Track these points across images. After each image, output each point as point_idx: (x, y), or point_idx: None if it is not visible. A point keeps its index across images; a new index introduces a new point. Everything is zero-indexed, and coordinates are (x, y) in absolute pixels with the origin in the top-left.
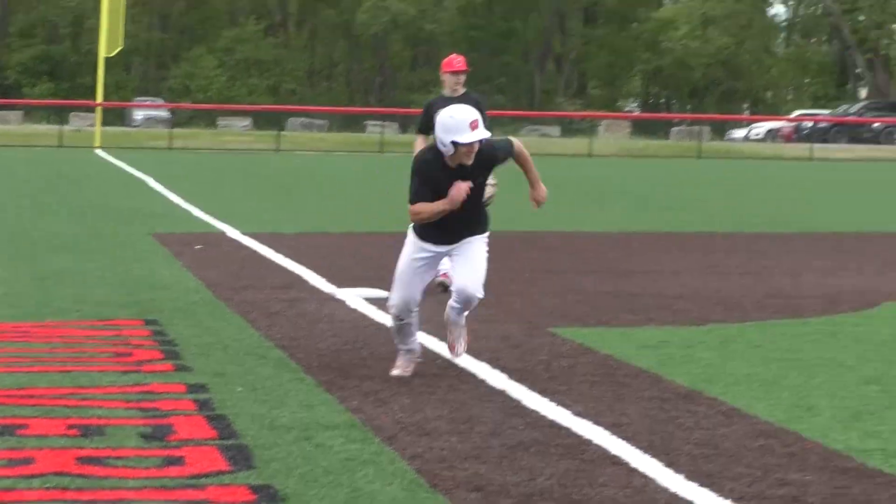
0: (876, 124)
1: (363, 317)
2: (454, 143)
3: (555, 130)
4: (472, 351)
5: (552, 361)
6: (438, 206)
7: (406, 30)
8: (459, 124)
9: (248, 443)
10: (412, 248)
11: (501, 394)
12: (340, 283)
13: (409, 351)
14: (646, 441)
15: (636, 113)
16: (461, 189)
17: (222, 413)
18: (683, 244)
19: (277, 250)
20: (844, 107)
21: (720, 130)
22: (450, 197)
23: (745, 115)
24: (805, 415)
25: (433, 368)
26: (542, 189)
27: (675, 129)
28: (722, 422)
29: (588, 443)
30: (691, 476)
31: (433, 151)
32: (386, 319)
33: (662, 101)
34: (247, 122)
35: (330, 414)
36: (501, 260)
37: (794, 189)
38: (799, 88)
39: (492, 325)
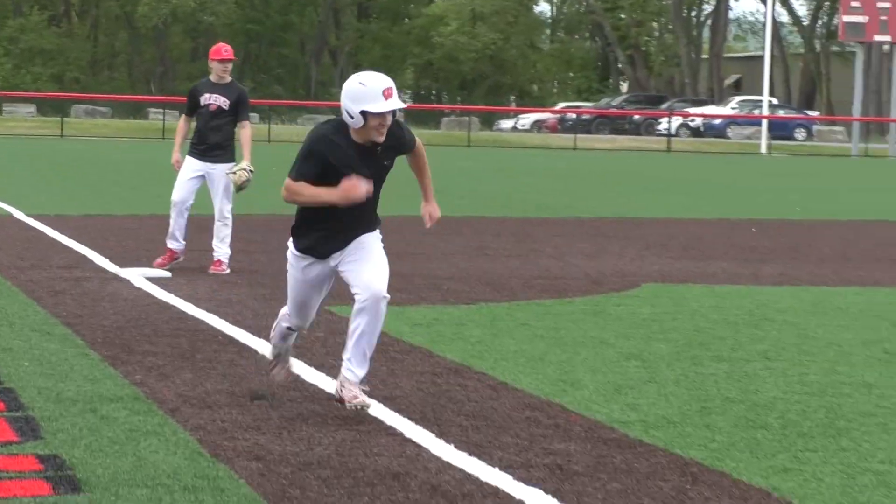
0: (636, 116)
1: (146, 295)
2: (364, 114)
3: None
4: (253, 328)
5: (329, 338)
6: (324, 195)
7: (186, 22)
8: (371, 92)
9: (36, 415)
10: (297, 267)
11: None
12: (123, 264)
13: (288, 350)
14: (418, 413)
15: (408, 104)
16: (359, 189)
17: (9, 386)
18: (454, 228)
19: (62, 232)
20: (606, 100)
21: (488, 121)
22: (343, 192)
23: (513, 106)
24: (569, 388)
25: (214, 344)
26: (437, 207)
27: (445, 119)
28: (491, 395)
29: (364, 414)
30: (461, 446)
31: (334, 125)
32: (169, 298)
33: (433, 92)
34: (31, 108)
35: (114, 387)
36: (280, 242)
37: (560, 177)
38: (563, 82)
39: (271, 304)
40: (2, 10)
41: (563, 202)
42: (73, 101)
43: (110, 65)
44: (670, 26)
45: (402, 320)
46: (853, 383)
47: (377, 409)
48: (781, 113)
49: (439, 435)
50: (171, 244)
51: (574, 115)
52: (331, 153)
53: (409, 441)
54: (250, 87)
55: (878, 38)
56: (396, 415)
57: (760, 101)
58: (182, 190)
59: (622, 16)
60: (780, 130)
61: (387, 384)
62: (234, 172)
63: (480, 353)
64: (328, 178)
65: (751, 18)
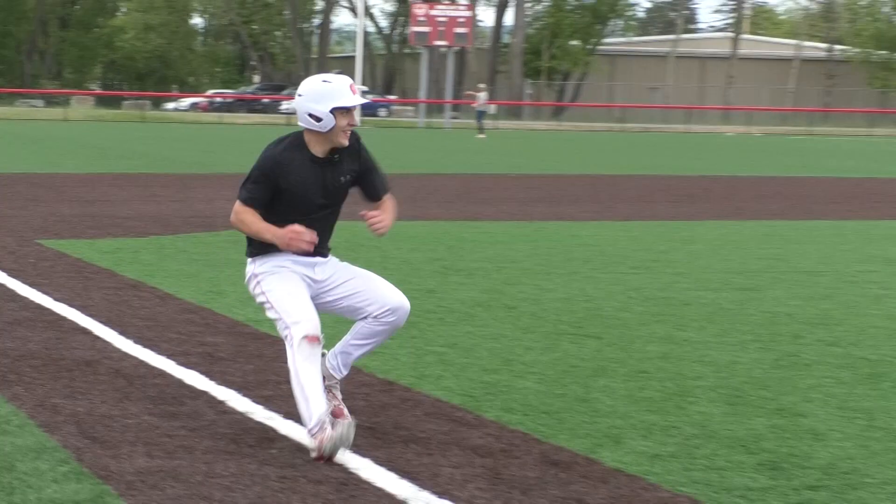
0: (265, 100)
1: None
2: (335, 111)
3: (40, 103)
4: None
5: (38, 263)
6: (267, 234)
7: None
8: (338, 87)
9: None
10: (273, 264)
11: (2, 286)
12: None
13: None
14: (105, 317)
15: (99, 90)
16: (302, 239)
17: None
18: (132, 181)
19: None
20: (244, 88)
21: (157, 103)
22: (286, 238)
23: (175, 92)
24: (217, 297)
25: None
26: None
27: (126, 102)
28: (159, 303)
29: (64, 319)
30: (138, 340)
31: (291, 141)
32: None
33: (116, 83)
34: None
35: None
36: (8, 192)
37: (208, 143)
38: (212, 74)
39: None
40: None
41: (211, 161)
42: None
43: None
44: (290, 35)
45: (93, 249)
46: (420, 289)
47: (75, 315)
48: (369, 97)
49: (122, 333)
50: None
51: (220, 99)
52: (283, 176)
53: (99, 338)
54: None
55: (437, 42)
56: (89, 318)
57: None
58: None
59: (255, 27)
60: (368, 109)
61: (82, 296)
62: None
63: (151, 272)
64: (280, 201)
65: (347, 29)
